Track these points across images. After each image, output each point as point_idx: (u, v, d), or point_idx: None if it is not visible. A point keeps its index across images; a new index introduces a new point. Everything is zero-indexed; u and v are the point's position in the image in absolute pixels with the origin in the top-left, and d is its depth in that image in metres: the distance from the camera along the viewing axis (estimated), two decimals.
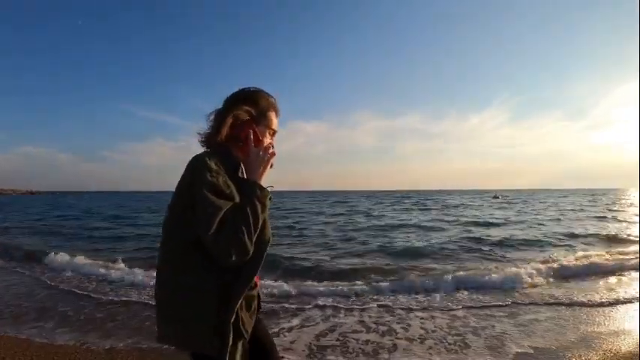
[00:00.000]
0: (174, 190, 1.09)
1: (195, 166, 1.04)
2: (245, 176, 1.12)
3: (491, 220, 15.44)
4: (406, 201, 37.98)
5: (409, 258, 7.52)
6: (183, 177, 1.07)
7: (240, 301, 1.05)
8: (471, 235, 11.07)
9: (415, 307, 4.28)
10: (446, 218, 16.99)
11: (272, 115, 1.21)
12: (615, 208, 22.61)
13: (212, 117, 1.18)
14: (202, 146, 1.18)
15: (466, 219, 16.38)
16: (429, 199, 40.71)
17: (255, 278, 1.11)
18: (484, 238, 10.27)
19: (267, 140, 1.21)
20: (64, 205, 33.76)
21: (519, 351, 3.06)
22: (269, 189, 1.10)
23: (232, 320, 1.03)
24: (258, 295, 1.23)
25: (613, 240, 10.03)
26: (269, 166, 1.15)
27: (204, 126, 1.20)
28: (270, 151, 1.16)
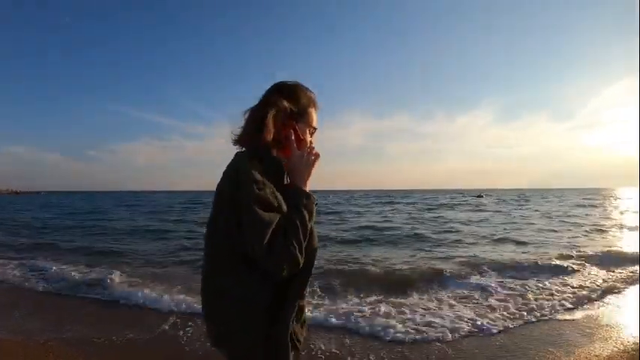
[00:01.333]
0: (214, 193, 1.03)
1: (240, 178, 0.96)
2: (289, 181, 1.08)
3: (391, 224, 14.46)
4: (377, 201, 37.62)
5: None
6: (224, 188, 1.01)
7: (294, 314, 1.04)
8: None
9: None
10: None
11: (312, 111, 1.14)
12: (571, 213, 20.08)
13: (247, 115, 1.09)
14: (235, 146, 1.10)
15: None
16: (404, 200, 40.81)
17: None
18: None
19: (307, 139, 1.13)
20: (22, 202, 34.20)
21: None
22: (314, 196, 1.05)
23: (286, 330, 1.02)
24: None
25: (520, 244, 9.56)
26: (313, 169, 1.08)
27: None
28: (314, 152, 1.08)
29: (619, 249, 8.17)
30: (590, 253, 7.58)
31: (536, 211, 21.46)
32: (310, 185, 1.07)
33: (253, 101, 1.10)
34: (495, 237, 10.56)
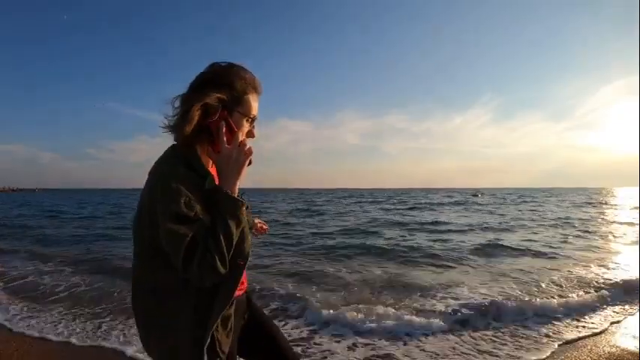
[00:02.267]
0: None
1: (158, 185, 0.91)
2: (217, 181, 0.97)
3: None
4: (363, 200, 37.83)
5: None
6: (144, 190, 0.96)
7: (216, 323, 0.99)
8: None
9: None
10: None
11: (251, 98, 1.00)
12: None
13: (177, 103, 0.97)
14: (168, 133, 0.99)
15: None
16: (394, 198, 40.16)
17: (243, 280, 1.11)
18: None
19: (245, 130, 1.01)
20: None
21: None
22: (245, 198, 0.97)
23: (207, 343, 0.98)
24: (248, 298, 1.26)
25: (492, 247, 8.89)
26: (245, 167, 0.96)
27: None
28: (246, 148, 0.96)
29: None
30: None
31: (533, 210, 20.50)
32: (240, 184, 0.97)
33: None
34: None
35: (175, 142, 0.99)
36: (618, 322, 3.69)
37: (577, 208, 22.15)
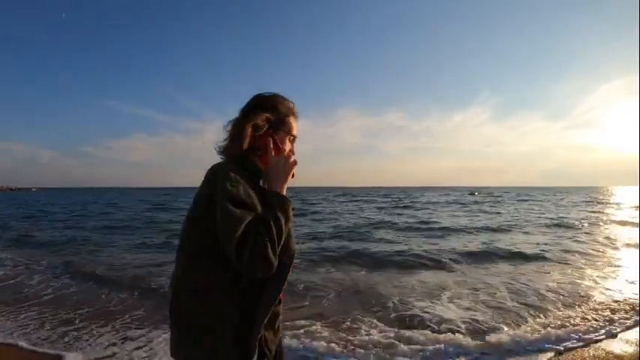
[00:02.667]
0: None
1: (215, 175, 1.00)
2: (266, 186, 1.07)
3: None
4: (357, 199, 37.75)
5: None
6: (202, 187, 1.04)
7: (265, 319, 1.03)
8: None
9: None
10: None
11: (291, 120, 1.16)
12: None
13: (229, 127, 1.13)
14: (220, 157, 1.13)
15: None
16: (393, 197, 39.84)
17: (280, 297, 1.10)
18: None
19: (287, 147, 1.15)
20: None
21: None
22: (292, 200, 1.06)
23: (257, 339, 1.01)
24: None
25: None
26: (290, 176, 1.08)
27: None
28: (292, 159, 1.09)
29: None
30: None
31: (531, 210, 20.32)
32: (286, 190, 1.07)
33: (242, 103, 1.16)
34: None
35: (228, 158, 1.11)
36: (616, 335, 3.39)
37: (575, 208, 21.94)
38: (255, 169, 1.08)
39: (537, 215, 17.08)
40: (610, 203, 26.84)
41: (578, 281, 5.37)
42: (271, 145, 1.09)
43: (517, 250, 7.85)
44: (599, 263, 6.73)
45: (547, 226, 12.72)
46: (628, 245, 8.74)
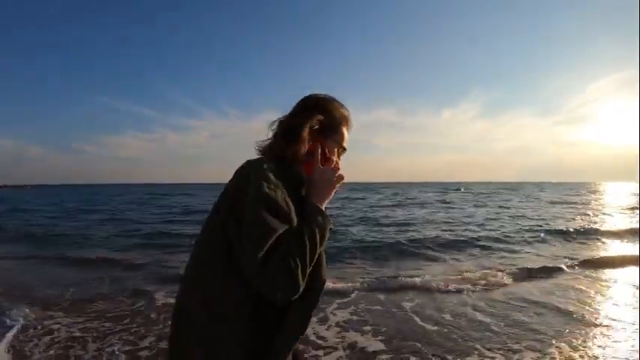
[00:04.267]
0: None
1: (251, 172, 0.87)
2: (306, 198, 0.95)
3: None
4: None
5: None
6: (230, 185, 0.92)
7: (289, 354, 0.90)
8: None
9: None
10: None
11: (344, 130, 1.04)
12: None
13: (275, 125, 1.01)
14: (258, 155, 1.01)
15: None
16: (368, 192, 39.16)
17: None
18: None
19: (334, 159, 1.02)
20: None
21: None
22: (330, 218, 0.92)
23: None
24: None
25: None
26: (334, 191, 0.97)
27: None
28: (339, 173, 0.97)
29: None
30: None
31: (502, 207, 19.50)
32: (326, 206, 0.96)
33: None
34: None
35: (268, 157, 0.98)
36: None
37: (549, 205, 21.12)
38: (299, 176, 0.95)
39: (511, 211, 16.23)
40: (594, 198, 25.86)
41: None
42: (319, 153, 0.98)
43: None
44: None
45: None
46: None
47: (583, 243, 8.53)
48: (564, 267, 5.87)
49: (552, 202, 22.29)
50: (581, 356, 2.86)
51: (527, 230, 10.00)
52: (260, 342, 0.86)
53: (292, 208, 0.85)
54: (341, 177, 0.96)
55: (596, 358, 2.84)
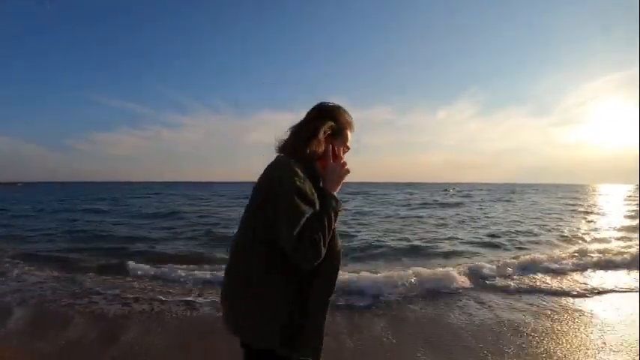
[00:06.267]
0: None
1: (284, 169, 1.12)
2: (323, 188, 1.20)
3: None
4: None
5: None
6: (266, 178, 1.15)
7: (323, 310, 1.17)
8: None
9: None
10: None
11: (348, 132, 1.29)
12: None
13: (295, 128, 1.25)
14: (278, 153, 1.25)
15: None
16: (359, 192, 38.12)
17: None
18: None
19: (342, 156, 1.27)
20: None
21: None
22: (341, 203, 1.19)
23: (313, 323, 1.14)
24: None
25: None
26: (342, 180, 1.22)
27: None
28: (346, 167, 1.23)
29: None
30: None
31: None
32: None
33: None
34: None
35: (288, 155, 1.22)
36: None
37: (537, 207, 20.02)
38: (316, 172, 1.21)
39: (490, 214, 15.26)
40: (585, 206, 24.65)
41: None
42: (330, 152, 1.22)
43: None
44: None
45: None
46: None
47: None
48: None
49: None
50: None
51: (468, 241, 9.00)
52: (301, 298, 1.12)
53: (315, 196, 1.11)
54: (347, 170, 1.23)
55: None
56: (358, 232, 10.13)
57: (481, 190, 52.05)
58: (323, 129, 1.19)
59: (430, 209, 18.47)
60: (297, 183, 1.06)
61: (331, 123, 1.21)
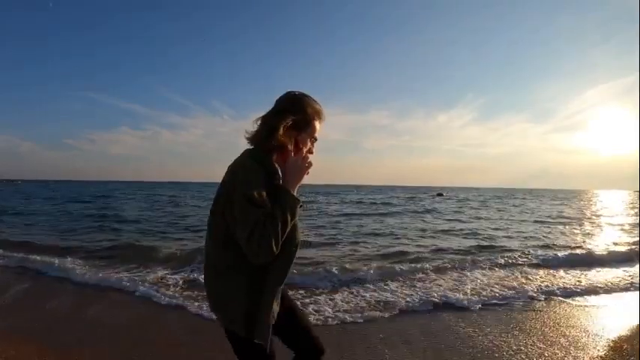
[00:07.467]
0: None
1: (235, 172, 1.19)
2: (281, 182, 1.22)
3: None
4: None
5: None
6: (224, 182, 1.22)
7: (273, 297, 1.24)
8: None
9: None
10: None
11: (316, 123, 1.31)
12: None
13: (259, 121, 1.28)
14: (249, 144, 1.29)
15: None
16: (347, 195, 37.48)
17: None
18: None
19: (307, 146, 1.31)
20: None
21: None
22: (301, 198, 1.21)
23: (264, 310, 1.22)
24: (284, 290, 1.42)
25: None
26: (304, 175, 1.25)
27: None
28: (308, 161, 1.26)
29: None
30: None
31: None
32: (298, 188, 1.25)
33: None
34: None
35: (252, 148, 1.28)
36: None
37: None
38: (271, 168, 1.21)
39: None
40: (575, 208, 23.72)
41: None
42: (291, 146, 1.24)
43: None
44: None
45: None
46: None
47: None
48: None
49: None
50: None
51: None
52: (255, 288, 1.20)
53: (265, 197, 1.13)
54: (309, 164, 1.25)
55: None
56: None
57: (474, 194, 51.18)
58: (282, 123, 1.21)
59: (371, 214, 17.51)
60: (248, 183, 1.12)
61: (292, 117, 1.23)
